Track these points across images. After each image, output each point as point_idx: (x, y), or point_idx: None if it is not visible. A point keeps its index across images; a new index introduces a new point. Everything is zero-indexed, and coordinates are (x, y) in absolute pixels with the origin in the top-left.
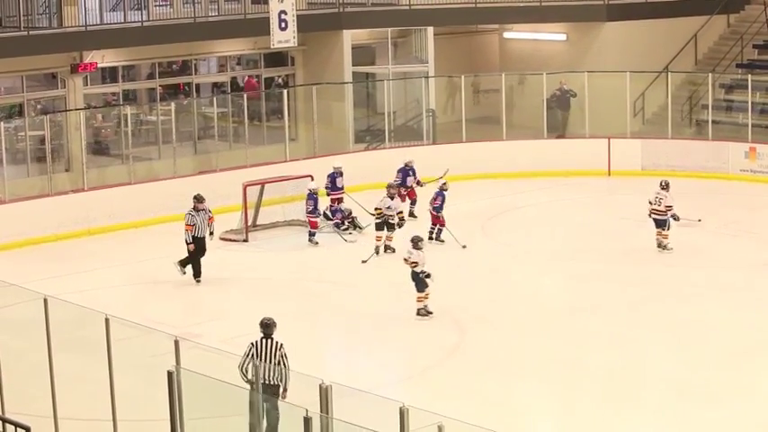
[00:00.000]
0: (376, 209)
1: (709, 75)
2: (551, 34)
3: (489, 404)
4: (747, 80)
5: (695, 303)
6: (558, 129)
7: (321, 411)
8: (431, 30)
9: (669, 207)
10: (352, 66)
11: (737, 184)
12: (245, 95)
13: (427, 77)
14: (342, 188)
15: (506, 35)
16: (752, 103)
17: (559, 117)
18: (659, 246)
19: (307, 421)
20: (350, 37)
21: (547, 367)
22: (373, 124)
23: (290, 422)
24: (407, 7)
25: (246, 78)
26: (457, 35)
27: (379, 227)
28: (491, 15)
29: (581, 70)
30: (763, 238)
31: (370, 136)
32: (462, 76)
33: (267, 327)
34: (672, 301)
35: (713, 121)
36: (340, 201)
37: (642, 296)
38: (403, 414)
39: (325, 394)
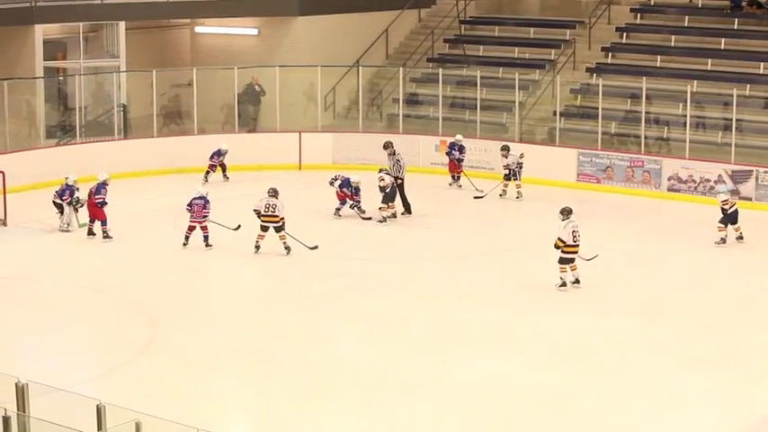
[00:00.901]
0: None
1: (400, 69)
2: (243, 29)
3: (185, 399)
4: (438, 74)
5: (387, 295)
6: (249, 123)
7: (18, 410)
8: (123, 24)
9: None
10: (44, 60)
11: (428, 177)
12: None
13: (119, 72)
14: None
15: (198, 30)
16: (442, 96)
17: (250, 112)
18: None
19: (6, 420)
20: (42, 31)
21: (241, 361)
22: (65, 119)
23: None
24: (99, 2)
25: None
26: (149, 29)
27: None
28: (182, 10)
29: (273, 65)
30: (450, 230)
31: (61, 131)
32: (154, 71)
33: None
34: (364, 293)
35: (404, 115)
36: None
37: (334, 289)
38: (100, 411)
39: (21, 393)
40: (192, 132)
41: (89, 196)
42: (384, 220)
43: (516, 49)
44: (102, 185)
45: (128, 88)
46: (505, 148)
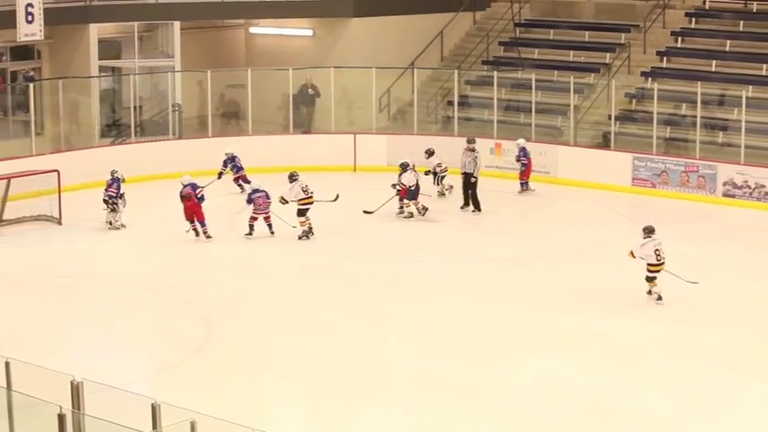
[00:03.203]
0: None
1: (455, 71)
2: (298, 30)
3: (239, 399)
4: (493, 77)
5: (440, 297)
6: (304, 125)
7: (73, 408)
8: (177, 24)
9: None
10: (99, 60)
11: (482, 180)
12: None
13: (173, 72)
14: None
15: (252, 30)
16: (497, 99)
17: (304, 113)
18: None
19: (61, 418)
20: (96, 31)
21: (294, 361)
22: (119, 119)
23: (43, 420)
24: (154, 1)
25: None
26: (204, 30)
27: (412, 195)
28: (237, 10)
29: (327, 66)
30: (505, 234)
31: (115, 130)
32: (208, 71)
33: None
34: (417, 294)
35: (459, 118)
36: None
37: (389, 290)
38: (155, 410)
39: (76, 391)
40: (247, 133)
41: (187, 197)
42: (410, 215)
43: (571, 52)
44: (193, 185)
45: (182, 88)
46: (429, 152)
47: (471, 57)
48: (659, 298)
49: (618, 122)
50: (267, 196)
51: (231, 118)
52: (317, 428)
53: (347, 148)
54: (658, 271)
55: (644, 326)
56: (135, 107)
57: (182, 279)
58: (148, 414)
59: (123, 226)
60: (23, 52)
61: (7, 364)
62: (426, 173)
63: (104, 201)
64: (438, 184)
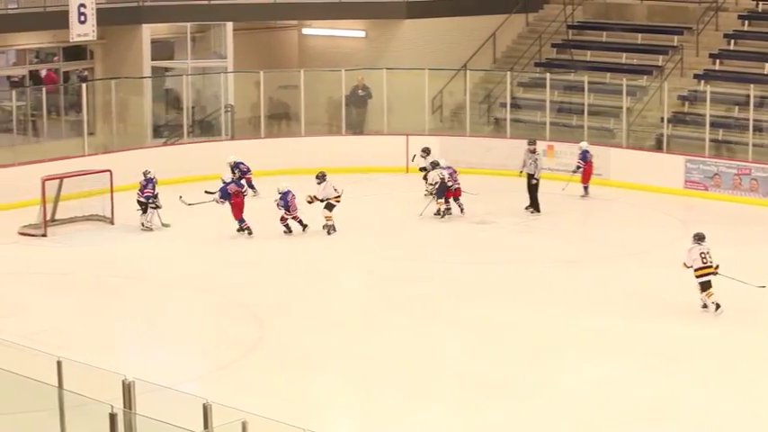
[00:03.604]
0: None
1: (508, 73)
2: (350, 31)
3: (290, 399)
4: (545, 79)
5: (491, 299)
6: (356, 126)
7: (125, 408)
8: (230, 25)
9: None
10: (152, 60)
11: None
12: (44, 89)
13: (226, 73)
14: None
15: (305, 31)
16: (550, 101)
17: (356, 114)
18: None
19: (112, 417)
20: (149, 31)
21: (346, 362)
22: (172, 119)
23: (94, 419)
24: (207, 2)
25: (47, 72)
26: (256, 31)
27: (439, 194)
28: (290, 11)
29: (380, 67)
30: (557, 236)
31: (168, 131)
32: (261, 72)
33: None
34: (469, 296)
35: (511, 120)
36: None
37: (440, 292)
38: (207, 410)
39: (128, 390)
40: (300, 134)
41: (236, 194)
42: (443, 213)
43: (624, 54)
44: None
45: (235, 89)
46: (426, 151)
47: (524, 59)
48: (717, 307)
49: (670, 125)
50: (295, 197)
51: (281, 119)
52: (369, 430)
53: (399, 149)
54: (707, 275)
55: (697, 329)
56: (187, 108)
57: (233, 279)
58: (200, 414)
59: (166, 225)
60: (76, 52)
61: (59, 364)
62: (422, 169)
63: (139, 203)
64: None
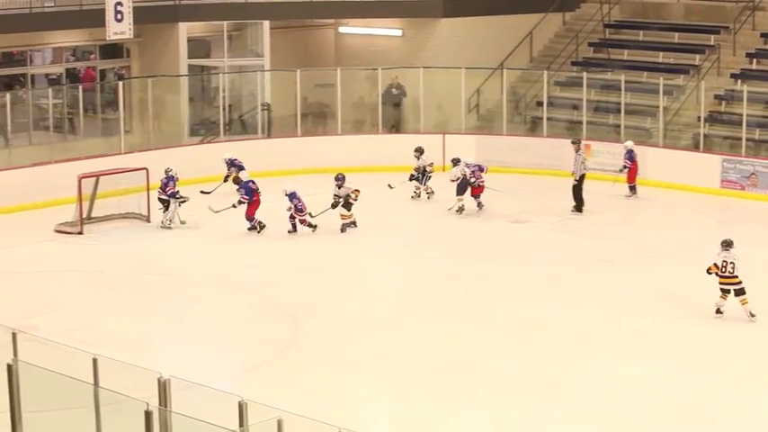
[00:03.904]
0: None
1: (545, 72)
2: (387, 29)
3: (326, 398)
4: (582, 78)
5: (527, 299)
6: (392, 124)
7: (160, 405)
8: (267, 23)
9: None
10: (188, 58)
11: (571, 182)
12: (80, 87)
13: (263, 71)
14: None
15: (342, 30)
16: (586, 100)
17: (391, 113)
18: None
19: (148, 415)
20: (186, 29)
21: (381, 361)
22: (208, 117)
23: (130, 416)
24: (244, 0)
25: (86, 69)
26: (293, 29)
27: (460, 190)
28: (327, 10)
29: (416, 66)
30: (593, 236)
31: (204, 129)
32: (298, 71)
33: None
34: (505, 296)
35: (548, 119)
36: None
37: (476, 291)
38: (242, 408)
39: (163, 388)
40: (336, 132)
41: (257, 191)
42: (459, 210)
43: (661, 53)
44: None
45: (271, 87)
46: (419, 150)
47: (561, 57)
48: (752, 315)
49: (707, 124)
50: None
51: (318, 118)
52: (404, 428)
53: (436, 148)
54: (728, 283)
55: (732, 330)
56: (224, 106)
57: (267, 277)
58: (235, 412)
59: (183, 223)
60: (112, 51)
61: (95, 361)
62: (411, 177)
63: (161, 200)
64: (424, 184)
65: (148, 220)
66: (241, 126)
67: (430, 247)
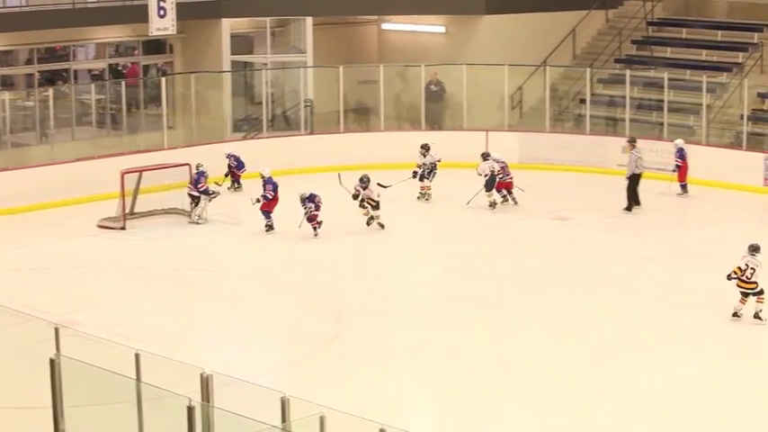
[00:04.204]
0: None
1: (588, 69)
2: (430, 26)
3: (368, 394)
4: (625, 75)
5: (570, 296)
6: (434, 121)
7: (203, 400)
8: (310, 20)
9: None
10: (231, 54)
11: (614, 179)
12: (123, 83)
13: (305, 67)
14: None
15: (385, 26)
16: (629, 98)
17: (432, 110)
18: None
19: (190, 410)
20: (229, 25)
21: (423, 358)
22: (251, 113)
23: (172, 411)
24: None
25: (131, 65)
26: (336, 25)
27: (489, 186)
28: (370, 6)
29: (460, 63)
30: (636, 233)
31: (247, 125)
32: (341, 67)
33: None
34: (549, 294)
35: (591, 116)
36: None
37: (520, 289)
38: (284, 404)
39: (206, 383)
40: (379, 129)
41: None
42: (492, 205)
43: (704, 51)
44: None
45: (314, 84)
46: (425, 147)
47: (603, 55)
48: (759, 317)
49: (750, 122)
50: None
51: (361, 114)
52: (447, 426)
53: (479, 144)
54: (746, 288)
55: None
56: (267, 102)
57: (310, 274)
58: (277, 408)
59: (205, 221)
60: (155, 46)
61: (137, 356)
62: (414, 174)
63: (191, 196)
64: (430, 181)
65: (191, 216)
66: (285, 122)
67: (471, 244)
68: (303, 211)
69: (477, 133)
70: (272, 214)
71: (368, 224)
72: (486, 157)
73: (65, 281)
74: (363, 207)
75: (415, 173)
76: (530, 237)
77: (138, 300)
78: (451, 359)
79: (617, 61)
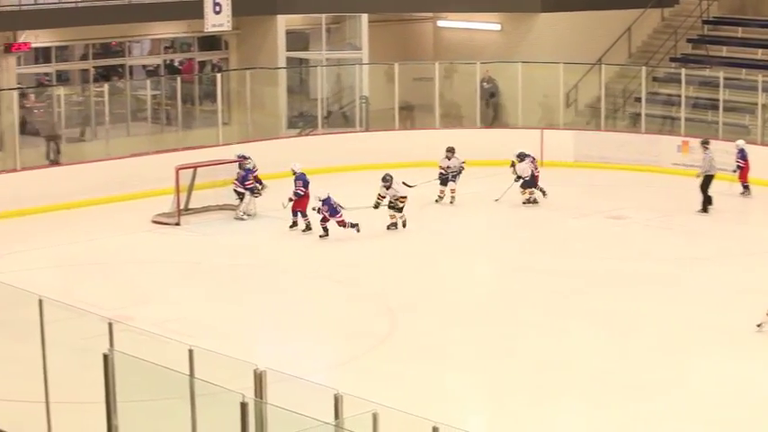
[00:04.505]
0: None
1: (643, 68)
2: (486, 24)
3: (421, 392)
4: (681, 74)
5: (625, 295)
6: (486, 118)
7: (256, 397)
8: (365, 17)
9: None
10: (286, 51)
11: (669, 178)
12: (178, 78)
13: (361, 64)
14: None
15: (440, 24)
16: (685, 96)
17: (485, 107)
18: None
19: (243, 406)
20: (284, 22)
21: (477, 356)
22: (306, 110)
23: (225, 407)
24: None
25: (187, 61)
26: (391, 22)
27: (530, 185)
28: (426, 3)
29: (515, 60)
30: (691, 232)
31: (302, 122)
32: (396, 64)
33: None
34: (602, 292)
35: (646, 115)
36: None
37: (573, 287)
38: (338, 401)
39: (259, 380)
40: (434, 126)
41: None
42: (528, 201)
43: (759, 50)
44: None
45: (369, 81)
46: (451, 150)
47: (659, 53)
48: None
49: None
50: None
51: (416, 111)
52: (500, 424)
53: (534, 143)
54: None
55: None
56: (322, 99)
57: (365, 271)
58: (330, 405)
59: (252, 216)
60: (211, 42)
61: (191, 352)
62: (441, 175)
63: (237, 192)
64: (456, 184)
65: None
66: (343, 119)
67: (526, 243)
68: (315, 212)
69: (531, 131)
70: (306, 213)
71: (388, 228)
72: (523, 157)
73: (119, 276)
74: (391, 208)
75: (441, 174)
76: (584, 235)
77: (192, 295)
78: (505, 357)
79: (672, 60)
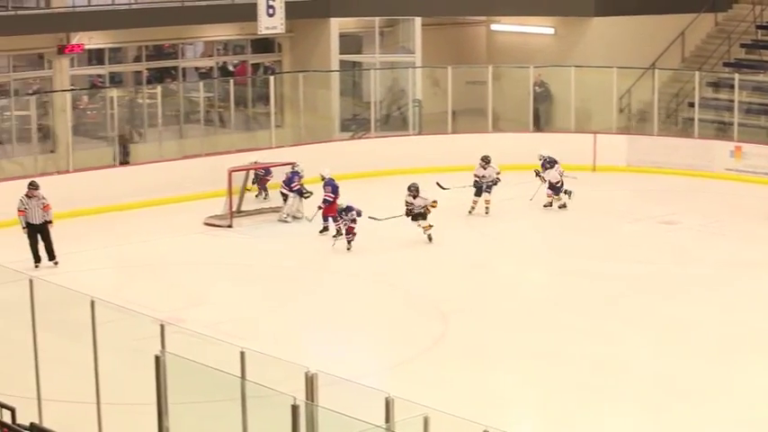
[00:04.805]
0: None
1: (696, 73)
2: (539, 27)
3: (472, 396)
4: (734, 79)
5: (676, 300)
6: (537, 122)
7: (307, 399)
8: (419, 20)
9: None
10: (339, 54)
11: (722, 183)
12: (231, 81)
13: (414, 68)
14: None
15: (494, 27)
16: (738, 102)
17: (537, 111)
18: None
19: (294, 409)
20: (337, 25)
21: (530, 360)
22: (359, 113)
23: (276, 410)
24: None
25: (241, 63)
26: (444, 26)
27: (559, 191)
28: (479, 7)
29: (568, 64)
30: (744, 238)
31: (355, 125)
32: (449, 68)
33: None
34: (654, 297)
35: (699, 120)
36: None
37: (624, 292)
38: (389, 404)
39: (311, 382)
40: (487, 130)
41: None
42: (549, 205)
43: None
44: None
45: (422, 84)
46: (486, 159)
47: (712, 58)
48: None
49: None
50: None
51: (469, 115)
52: (551, 428)
53: (587, 147)
54: None
55: None
56: (375, 102)
57: (416, 274)
58: (381, 408)
59: (299, 219)
60: (264, 45)
61: (242, 354)
62: (476, 183)
63: (283, 195)
64: (489, 193)
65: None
66: (402, 121)
67: (577, 248)
68: (340, 221)
69: (584, 136)
70: (337, 218)
71: (429, 238)
72: (552, 164)
73: (171, 278)
74: (418, 219)
75: (476, 183)
76: (637, 240)
77: (244, 298)
78: (556, 362)
79: (726, 65)
